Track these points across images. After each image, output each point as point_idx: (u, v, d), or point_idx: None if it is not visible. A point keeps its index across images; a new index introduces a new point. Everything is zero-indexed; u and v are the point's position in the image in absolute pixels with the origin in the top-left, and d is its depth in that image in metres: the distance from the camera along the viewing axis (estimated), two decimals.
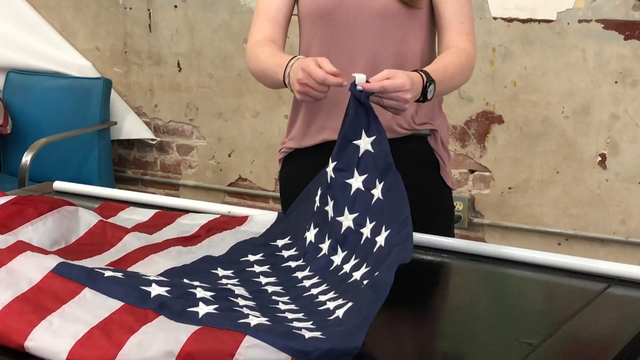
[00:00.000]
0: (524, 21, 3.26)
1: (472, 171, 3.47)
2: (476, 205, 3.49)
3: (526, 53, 3.28)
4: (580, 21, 3.16)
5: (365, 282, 1.41)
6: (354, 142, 1.59)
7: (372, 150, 1.57)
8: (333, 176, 1.60)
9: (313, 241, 1.59)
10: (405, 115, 1.92)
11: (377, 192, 1.52)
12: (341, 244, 1.54)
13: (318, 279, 1.51)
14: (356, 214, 1.54)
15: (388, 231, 1.44)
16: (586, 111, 3.21)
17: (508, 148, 3.38)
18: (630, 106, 3.14)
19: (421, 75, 1.75)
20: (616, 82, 3.14)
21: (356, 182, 1.56)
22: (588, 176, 3.25)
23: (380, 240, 1.45)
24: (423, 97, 1.75)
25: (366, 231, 1.50)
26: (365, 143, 1.58)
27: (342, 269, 1.49)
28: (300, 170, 2.03)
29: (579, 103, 3.21)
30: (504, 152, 3.39)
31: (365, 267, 1.44)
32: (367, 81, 1.63)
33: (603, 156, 3.21)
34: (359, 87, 1.61)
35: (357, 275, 1.44)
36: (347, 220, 1.55)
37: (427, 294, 1.36)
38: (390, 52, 1.90)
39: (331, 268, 1.53)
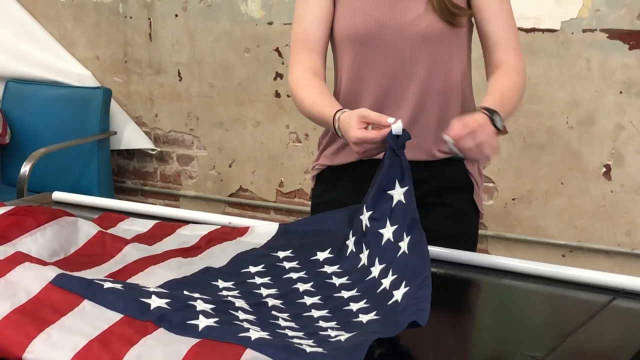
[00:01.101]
0: (527, 30, 3.27)
1: None
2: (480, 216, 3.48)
3: (530, 63, 3.28)
4: (584, 31, 3.17)
5: (369, 326, 1.41)
6: (389, 192, 1.60)
7: (404, 201, 1.58)
8: (368, 225, 1.62)
9: (337, 285, 1.59)
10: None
11: (404, 245, 1.53)
12: (358, 287, 1.55)
13: (320, 300, 1.51)
14: (384, 265, 1.55)
15: (407, 288, 1.44)
16: (591, 121, 3.21)
17: (512, 159, 3.38)
18: (635, 116, 3.14)
19: (482, 111, 1.73)
20: (621, 92, 3.15)
21: (387, 232, 1.57)
22: (593, 187, 3.25)
23: (398, 295, 1.45)
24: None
25: (386, 282, 1.50)
26: (398, 193, 1.59)
27: (348, 305, 1.49)
28: (332, 188, 2.03)
29: (584, 113, 3.22)
30: (508, 163, 3.39)
31: (375, 315, 1.44)
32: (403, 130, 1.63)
33: (608, 167, 3.21)
34: (396, 129, 1.61)
35: (363, 318, 1.44)
36: (376, 270, 1.56)
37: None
38: (437, 74, 1.89)
39: (335, 295, 1.53)
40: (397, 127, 1.62)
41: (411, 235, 1.53)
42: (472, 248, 2.03)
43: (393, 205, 1.59)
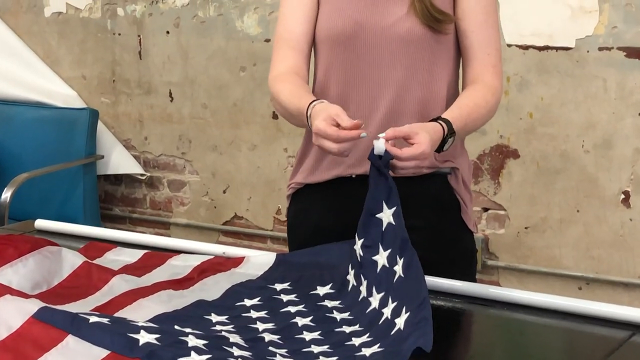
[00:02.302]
0: (540, 49, 3.28)
1: (485, 209, 3.48)
2: (490, 246, 3.49)
3: (543, 82, 3.29)
4: (600, 49, 3.18)
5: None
6: (377, 215, 1.62)
7: (394, 223, 1.59)
8: (362, 254, 1.63)
9: (339, 320, 1.59)
10: None
11: (398, 268, 1.54)
12: (360, 322, 1.55)
13: (320, 335, 1.51)
14: (382, 294, 1.56)
15: (408, 313, 1.45)
16: (608, 145, 3.22)
17: (524, 184, 3.39)
18: None
19: (442, 127, 1.76)
20: None
21: (381, 258, 1.59)
22: (611, 215, 3.25)
23: (400, 322, 1.46)
24: (438, 149, 1.77)
25: (387, 311, 1.51)
26: (387, 216, 1.61)
27: (351, 340, 1.49)
28: (309, 208, 2.03)
29: (600, 136, 3.22)
30: (520, 189, 3.40)
31: (378, 348, 1.44)
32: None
33: (627, 194, 3.21)
34: (379, 148, 1.63)
35: (366, 351, 1.44)
36: (375, 300, 1.57)
37: (437, 341, 1.36)
38: (416, 81, 1.91)
39: (336, 330, 1.53)
40: (379, 146, 1.63)
41: (404, 256, 1.54)
42: (472, 272, 2.03)
43: (383, 229, 1.60)
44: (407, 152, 1.65)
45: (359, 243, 1.64)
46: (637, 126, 3.16)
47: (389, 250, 1.58)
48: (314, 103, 1.78)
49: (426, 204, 1.94)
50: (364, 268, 1.62)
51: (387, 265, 1.57)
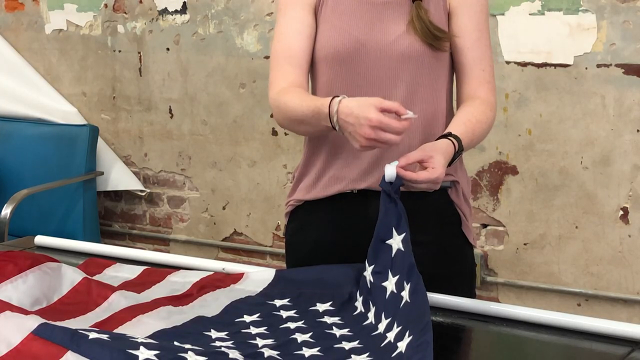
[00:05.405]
0: (539, 65, 3.29)
1: (484, 226, 3.48)
2: (489, 263, 3.48)
3: (542, 99, 3.30)
4: (599, 65, 3.19)
5: None
6: (387, 242, 1.63)
7: (403, 249, 1.60)
8: (372, 280, 1.64)
9: (338, 337, 1.59)
10: None
11: (405, 294, 1.55)
12: (360, 339, 1.56)
13: (319, 351, 1.51)
14: (389, 320, 1.56)
15: (410, 337, 1.46)
16: (606, 162, 3.22)
17: (523, 201, 3.39)
18: None
19: (454, 145, 1.78)
20: (638, 130, 3.16)
21: (390, 284, 1.60)
22: (609, 232, 3.25)
23: (402, 346, 1.46)
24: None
25: (391, 335, 1.51)
26: (396, 242, 1.62)
27: (350, 357, 1.49)
28: (309, 224, 2.03)
29: (599, 153, 3.23)
30: (519, 205, 3.40)
31: None
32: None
33: (625, 210, 3.21)
34: (389, 175, 1.64)
35: None
36: (382, 325, 1.57)
37: (436, 358, 1.36)
38: (418, 98, 1.91)
39: (335, 346, 1.53)
40: (389, 173, 1.64)
41: (411, 281, 1.54)
42: (471, 286, 2.03)
43: (393, 255, 1.61)
44: (423, 176, 1.68)
45: (369, 270, 1.65)
46: (636, 143, 3.17)
47: (397, 276, 1.58)
48: (337, 99, 1.74)
49: (427, 218, 1.95)
50: (373, 294, 1.62)
51: (395, 291, 1.57)
